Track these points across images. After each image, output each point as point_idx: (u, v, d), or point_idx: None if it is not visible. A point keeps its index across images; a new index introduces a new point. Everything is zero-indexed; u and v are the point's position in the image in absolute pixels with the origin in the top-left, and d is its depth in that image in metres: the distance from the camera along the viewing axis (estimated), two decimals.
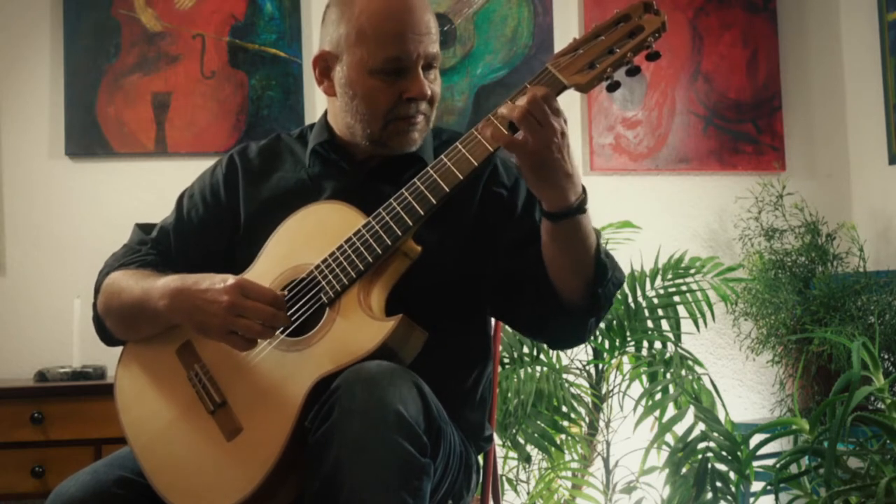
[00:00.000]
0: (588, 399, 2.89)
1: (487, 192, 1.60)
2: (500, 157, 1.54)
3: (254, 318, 1.38)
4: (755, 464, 2.66)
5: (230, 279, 1.41)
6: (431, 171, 1.44)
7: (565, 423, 2.81)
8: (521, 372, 2.77)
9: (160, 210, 1.77)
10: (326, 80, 1.60)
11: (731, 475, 2.57)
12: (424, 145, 1.63)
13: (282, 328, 1.43)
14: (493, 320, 1.73)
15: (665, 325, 2.96)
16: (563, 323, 1.52)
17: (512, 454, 2.81)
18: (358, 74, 1.53)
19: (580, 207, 1.40)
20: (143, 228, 1.71)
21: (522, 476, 2.88)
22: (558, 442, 2.80)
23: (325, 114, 1.68)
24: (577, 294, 1.47)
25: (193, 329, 1.45)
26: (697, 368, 2.78)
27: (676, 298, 2.96)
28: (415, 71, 1.52)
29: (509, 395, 2.72)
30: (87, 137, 3.08)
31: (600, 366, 2.96)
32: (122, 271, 1.58)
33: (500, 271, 1.55)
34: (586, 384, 2.94)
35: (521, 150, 1.35)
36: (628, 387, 2.89)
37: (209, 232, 1.65)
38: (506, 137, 1.37)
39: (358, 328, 1.38)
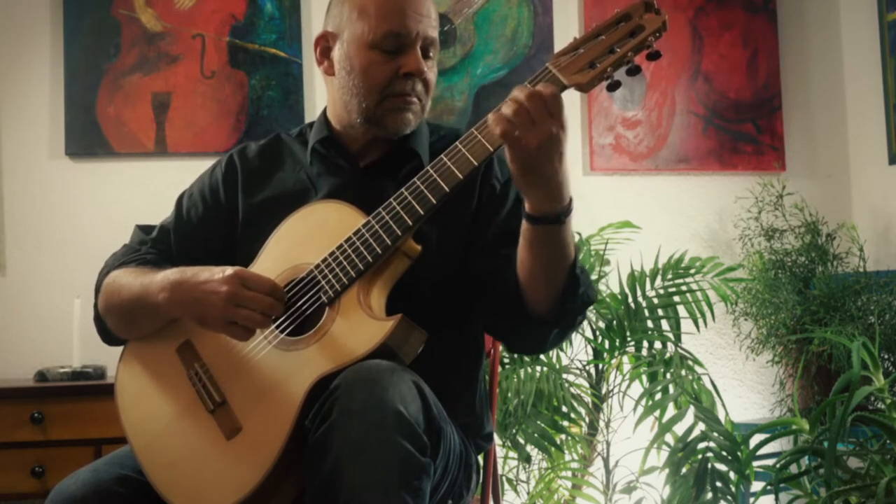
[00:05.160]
0: (588, 399, 2.89)
1: (483, 187, 1.60)
2: (498, 154, 1.55)
3: (253, 307, 1.38)
4: (755, 464, 2.66)
5: (228, 270, 1.41)
6: (431, 171, 1.44)
7: (565, 423, 2.80)
8: (521, 372, 2.77)
9: (160, 210, 1.77)
10: (326, 60, 1.63)
11: (731, 475, 2.57)
12: (421, 140, 1.63)
13: (282, 328, 1.44)
14: None
15: (665, 325, 2.96)
16: (526, 330, 1.51)
17: (512, 454, 2.81)
18: (357, 49, 1.55)
19: (559, 218, 1.38)
20: (144, 229, 1.71)
21: (522, 476, 2.88)
22: (558, 442, 2.80)
23: (324, 111, 1.69)
24: (544, 304, 1.45)
25: (193, 321, 1.45)
26: (697, 368, 2.78)
27: (676, 298, 2.96)
28: (413, 48, 1.54)
29: (509, 395, 2.72)
30: (87, 137, 3.08)
31: (600, 366, 2.96)
32: (121, 269, 1.59)
33: (475, 267, 1.55)
34: (586, 384, 2.94)
35: (514, 144, 1.33)
36: (628, 387, 2.89)
37: (208, 231, 1.65)
38: (504, 127, 1.33)
39: (358, 328, 1.38)
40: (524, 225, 1.41)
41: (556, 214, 1.37)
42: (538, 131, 1.31)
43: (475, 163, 1.41)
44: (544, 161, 1.32)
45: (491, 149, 1.40)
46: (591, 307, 1.55)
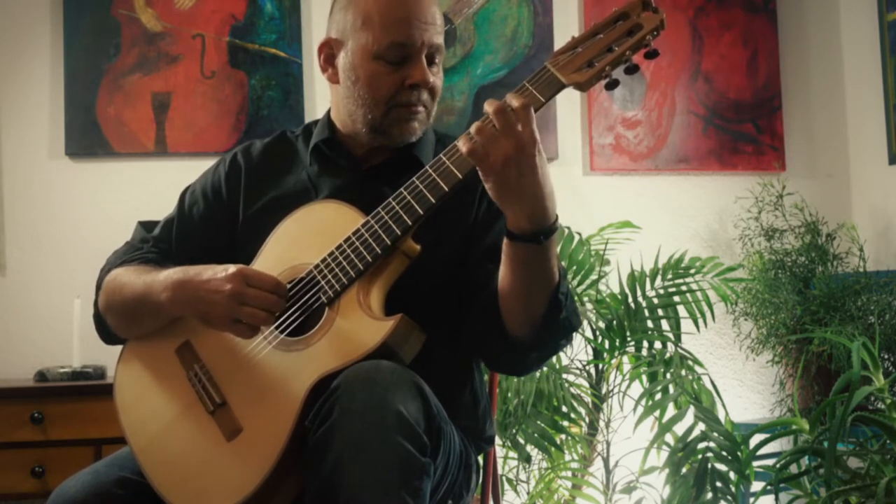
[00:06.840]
0: (588, 399, 2.89)
1: (482, 200, 1.59)
2: None
3: (257, 305, 1.38)
4: (755, 464, 2.66)
5: (231, 268, 1.41)
6: (430, 171, 1.43)
7: (565, 423, 2.80)
8: None
9: (160, 210, 1.77)
10: (331, 68, 1.61)
11: (731, 475, 2.57)
12: (426, 148, 1.63)
13: (281, 328, 1.44)
14: None
15: (665, 325, 2.95)
16: (505, 350, 1.49)
17: (512, 454, 2.81)
18: (362, 59, 1.53)
19: (537, 237, 1.35)
20: (146, 226, 1.72)
21: (522, 476, 2.88)
22: (558, 442, 2.80)
23: (329, 111, 1.68)
24: (524, 326, 1.44)
25: (197, 319, 1.45)
26: (697, 368, 2.78)
27: (676, 298, 2.96)
28: (418, 58, 1.52)
29: (509, 395, 2.72)
30: (87, 137, 3.08)
31: (600, 366, 2.96)
32: (123, 268, 1.59)
33: (462, 278, 1.54)
34: (586, 384, 2.94)
35: (480, 161, 1.32)
36: (628, 387, 2.89)
37: (209, 228, 1.65)
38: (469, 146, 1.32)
39: (358, 327, 1.38)
40: (504, 241, 1.39)
41: (533, 233, 1.35)
42: (502, 146, 1.29)
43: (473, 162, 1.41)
44: (515, 176, 1.30)
45: None
46: (574, 333, 1.51)
